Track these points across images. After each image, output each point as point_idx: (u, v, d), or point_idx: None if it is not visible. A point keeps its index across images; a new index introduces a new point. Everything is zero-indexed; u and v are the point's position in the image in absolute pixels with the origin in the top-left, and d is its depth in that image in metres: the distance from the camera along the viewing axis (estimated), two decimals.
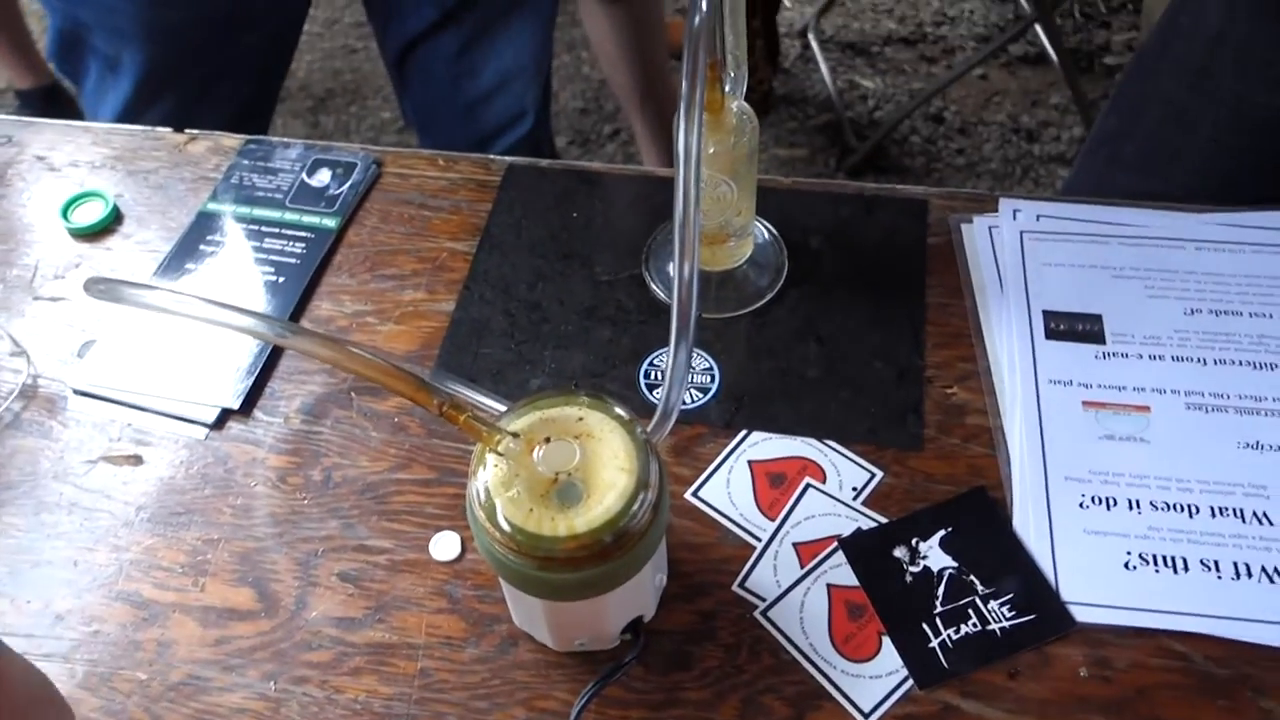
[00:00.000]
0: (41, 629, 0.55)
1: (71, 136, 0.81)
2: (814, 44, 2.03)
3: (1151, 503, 0.55)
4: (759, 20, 1.83)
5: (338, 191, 0.74)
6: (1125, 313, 0.63)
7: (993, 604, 0.52)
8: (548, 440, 0.46)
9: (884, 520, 0.56)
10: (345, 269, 0.70)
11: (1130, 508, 0.55)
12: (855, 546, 0.55)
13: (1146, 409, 0.59)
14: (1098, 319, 0.63)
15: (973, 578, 0.53)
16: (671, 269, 0.67)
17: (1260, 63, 0.77)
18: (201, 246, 0.72)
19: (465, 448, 0.60)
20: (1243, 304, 0.63)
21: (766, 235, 0.69)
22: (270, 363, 0.65)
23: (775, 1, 1.93)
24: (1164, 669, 0.50)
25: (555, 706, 0.51)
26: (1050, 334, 0.63)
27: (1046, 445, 0.58)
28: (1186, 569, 0.53)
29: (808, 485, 0.58)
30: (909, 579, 0.54)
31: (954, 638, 0.51)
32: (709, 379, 0.63)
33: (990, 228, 0.68)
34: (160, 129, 0.80)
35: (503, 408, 0.52)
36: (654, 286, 0.67)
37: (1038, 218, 0.68)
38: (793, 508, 0.57)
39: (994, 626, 0.52)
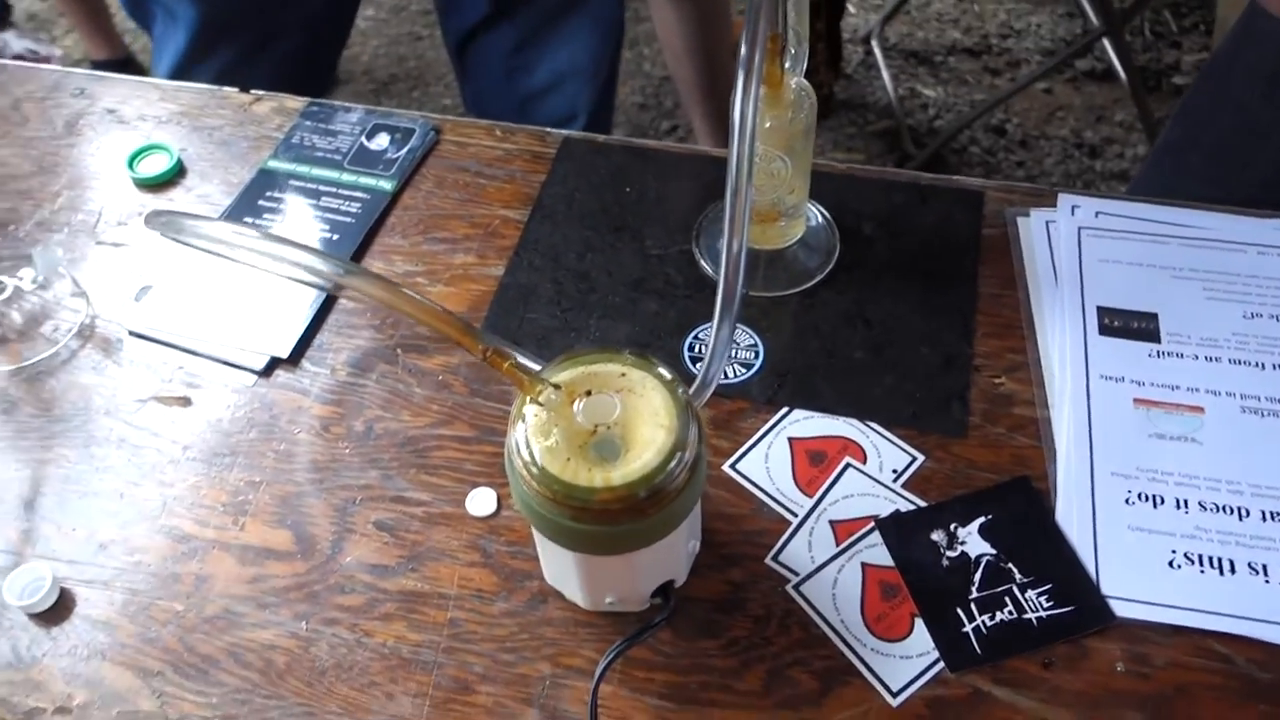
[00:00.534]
0: (85, 556, 0.56)
1: (141, 92, 0.82)
2: (877, 51, 2.02)
3: (1200, 503, 0.54)
4: (823, 24, 1.82)
5: (395, 156, 0.75)
6: (1182, 313, 0.62)
7: (1030, 593, 0.52)
8: (588, 393, 0.46)
9: (923, 504, 0.55)
10: (398, 230, 0.71)
11: (1178, 506, 0.54)
12: (893, 527, 0.55)
13: (1200, 410, 0.58)
14: (1153, 317, 0.62)
15: (1011, 566, 0.53)
16: (721, 245, 0.67)
17: None
18: (260, 202, 0.73)
19: (506, 408, 0.61)
20: None
21: (820, 218, 0.68)
22: (320, 315, 0.66)
23: (840, 7, 1.92)
24: (1204, 669, 0.49)
25: (581, 664, 0.51)
26: (1104, 330, 0.62)
27: (1095, 439, 0.57)
28: (1233, 571, 0.52)
29: (848, 464, 0.57)
30: (945, 563, 0.53)
31: (988, 624, 0.51)
32: (753, 355, 0.62)
33: (1047, 222, 0.67)
34: (226, 88, 0.82)
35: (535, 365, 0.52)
36: (703, 263, 0.67)
37: (1096, 214, 0.67)
38: (831, 485, 0.56)
39: (1030, 615, 0.51)
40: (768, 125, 0.58)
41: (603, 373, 0.46)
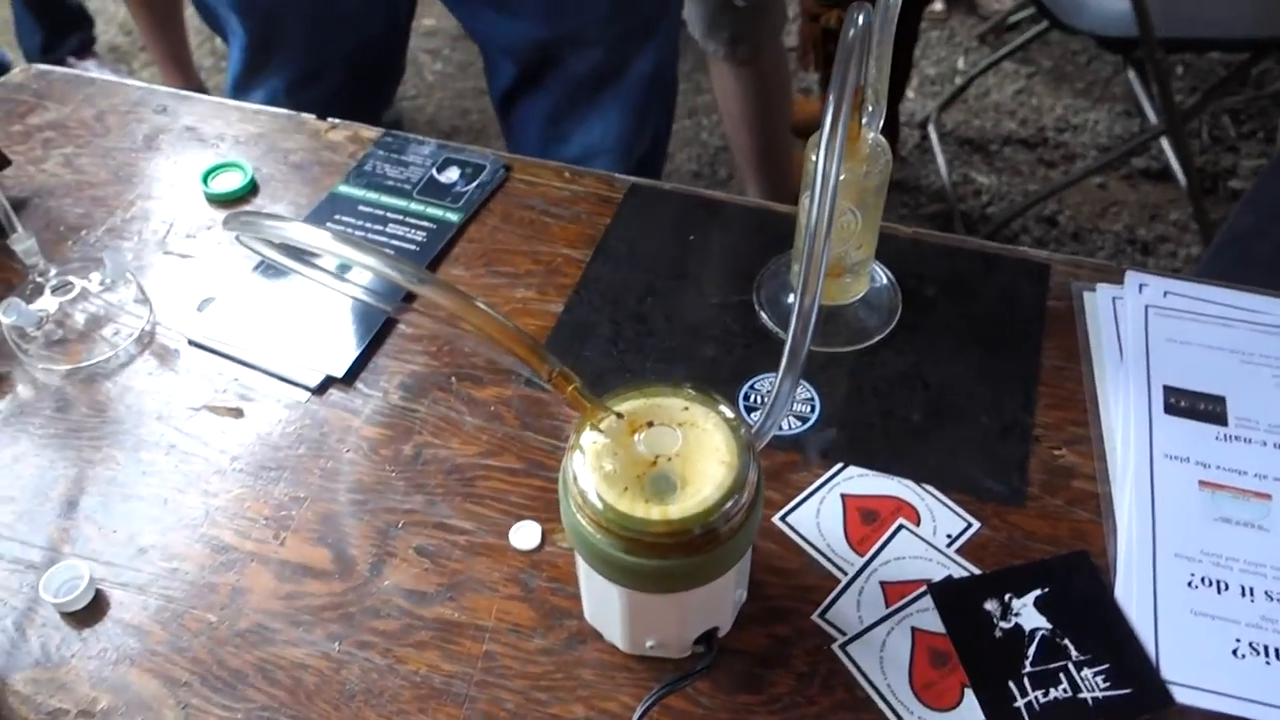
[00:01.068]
0: (122, 559, 0.56)
1: (220, 113, 0.84)
2: (933, 135, 2.03)
3: (1267, 592, 0.52)
4: None
5: (464, 189, 0.76)
6: (1251, 398, 0.61)
7: (1086, 671, 0.50)
8: (650, 424, 0.45)
9: (977, 571, 0.54)
10: (462, 261, 0.71)
11: (1243, 594, 0.52)
12: (945, 593, 0.53)
13: (1268, 497, 0.56)
14: (1220, 400, 0.61)
15: (1067, 642, 0.51)
16: (785, 299, 0.67)
17: None
18: (328, 223, 0.74)
19: (556, 443, 0.60)
20: None
21: (883, 279, 0.68)
22: (378, 339, 0.66)
23: (899, 91, 1.95)
24: None
25: (616, 709, 0.49)
26: (1169, 409, 0.60)
27: (1157, 519, 0.55)
28: None
29: (901, 526, 0.56)
30: (999, 634, 0.51)
31: (1041, 700, 0.49)
32: (809, 409, 0.61)
33: (1114, 298, 0.67)
34: (304, 114, 0.84)
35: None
36: (762, 314, 0.67)
37: (1165, 294, 0.66)
38: (883, 546, 0.55)
39: (1086, 695, 0.49)
40: (842, 178, 0.58)
41: (666, 405, 0.46)
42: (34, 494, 0.59)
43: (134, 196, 0.77)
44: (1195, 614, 0.52)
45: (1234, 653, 0.50)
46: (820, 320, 0.65)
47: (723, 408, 0.46)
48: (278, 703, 0.50)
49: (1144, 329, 0.65)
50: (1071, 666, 0.50)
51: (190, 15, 2.04)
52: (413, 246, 0.71)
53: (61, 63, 2.17)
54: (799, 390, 0.62)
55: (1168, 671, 0.50)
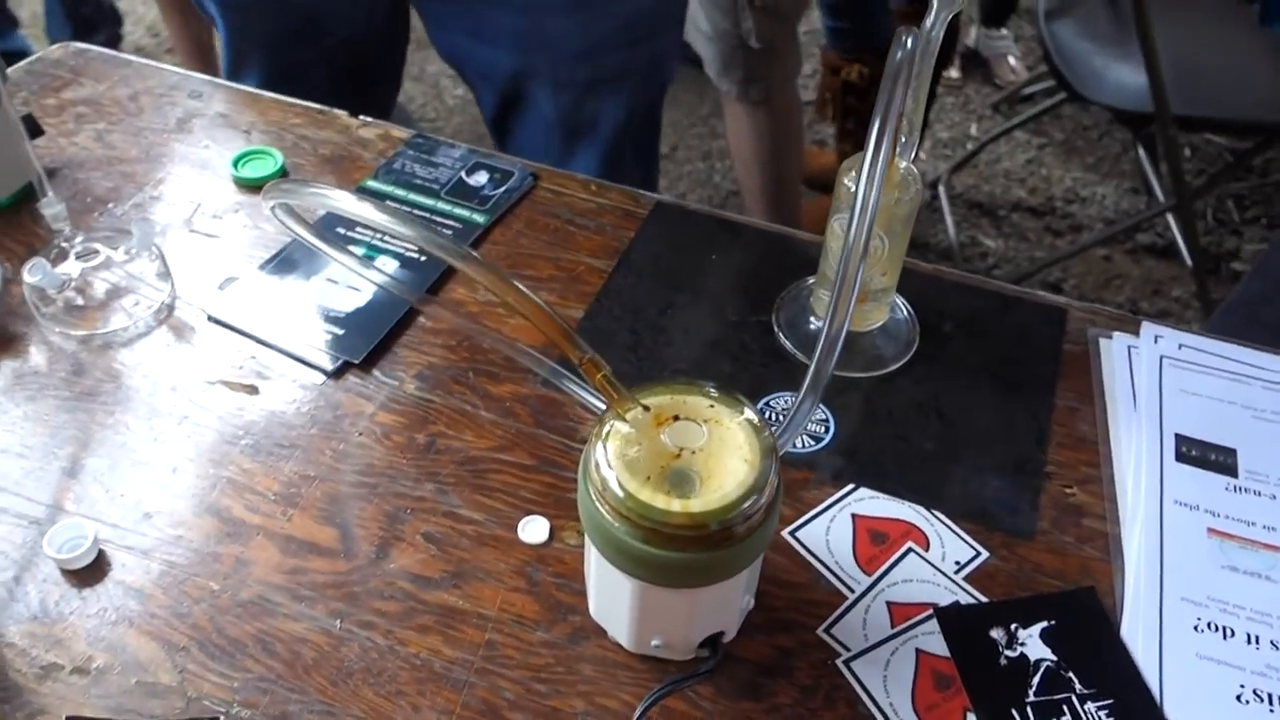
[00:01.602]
0: (129, 522, 0.55)
1: (254, 103, 0.85)
2: (943, 196, 2.06)
3: (1273, 641, 0.52)
4: None
5: (492, 193, 0.76)
6: (1262, 452, 0.61)
7: (1090, 705, 0.49)
8: (676, 418, 0.45)
9: (984, 599, 0.54)
10: None
11: (1249, 641, 0.52)
12: (951, 618, 0.53)
13: (1276, 549, 0.56)
14: (1231, 452, 0.61)
15: (1071, 675, 0.50)
16: (805, 323, 0.67)
17: None
18: (367, 200, 0.74)
19: (569, 443, 0.60)
20: None
21: (902, 310, 0.69)
22: (398, 328, 0.66)
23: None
24: None
25: (616, 706, 0.49)
26: (1180, 457, 0.61)
27: (1165, 562, 0.55)
28: None
29: (910, 549, 0.56)
30: (1004, 661, 0.51)
31: None
32: (823, 429, 0.62)
33: (1130, 347, 0.67)
34: (335, 110, 0.84)
35: (603, 407, 0.51)
36: (780, 336, 0.67)
37: (1179, 346, 0.67)
38: (891, 567, 0.55)
39: None
40: None
41: (692, 401, 0.46)
42: (43, 453, 0.58)
43: (163, 175, 0.78)
44: (1200, 657, 0.52)
45: (1238, 698, 0.50)
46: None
47: (747, 410, 0.46)
48: (275, 674, 0.49)
49: (1158, 378, 0.65)
50: (1075, 700, 0.50)
51: None
52: None
53: None
54: (814, 411, 0.62)
55: (1171, 711, 0.49)
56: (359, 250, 0.71)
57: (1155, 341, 0.67)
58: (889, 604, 0.53)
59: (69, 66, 0.88)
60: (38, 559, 0.53)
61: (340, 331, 0.65)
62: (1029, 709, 0.49)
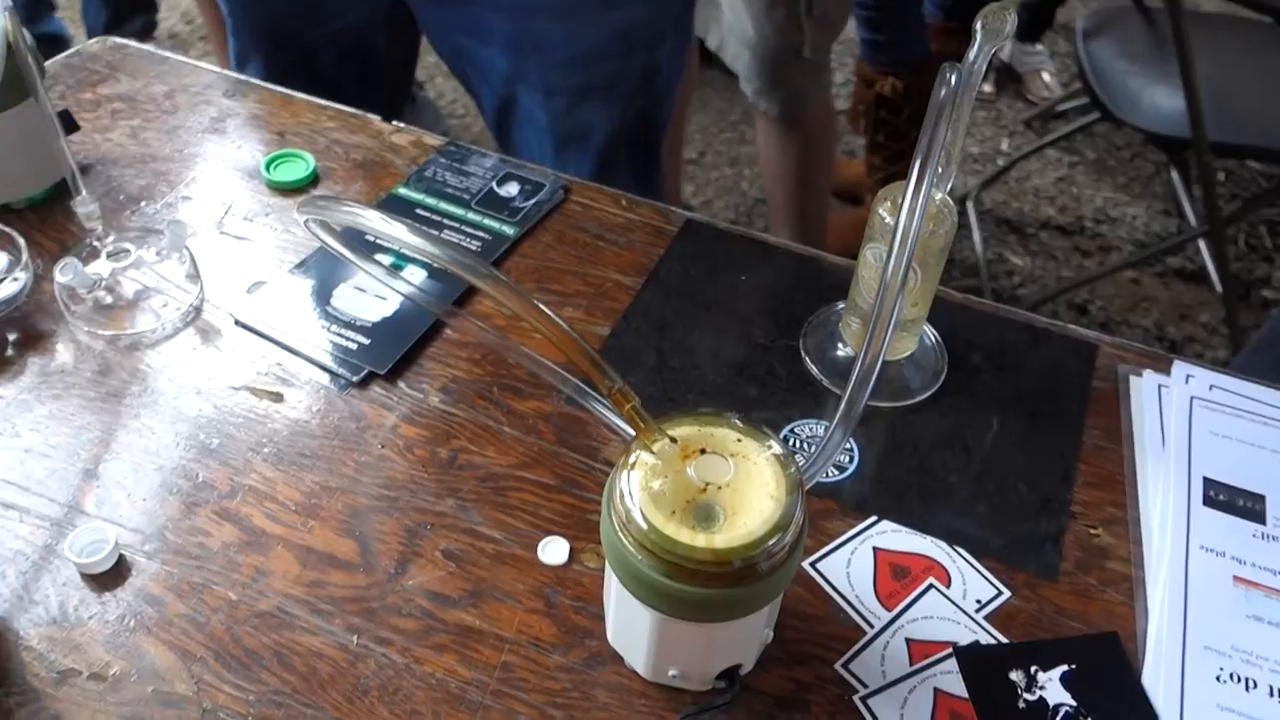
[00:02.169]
0: (149, 528, 0.55)
1: (288, 105, 0.85)
2: (971, 212, 2.04)
3: None
4: None
5: (522, 205, 0.76)
6: None
7: None
8: (703, 451, 0.45)
9: (1004, 640, 0.53)
10: (514, 275, 0.71)
11: (1271, 694, 0.51)
12: (971, 658, 0.52)
13: None
14: (1260, 499, 0.60)
15: None
16: (833, 349, 0.67)
17: None
18: (398, 219, 0.74)
19: (592, 463, 0.60)
20: None
21: (931, 340, 0.68)
22: (424, 340, 0.66)
23: None
24: None
25: None
26: (1208, 501, 0.60)
27: (1190, 609, 0.55)
28: None
29: (931, 585, 0.55)
30: (1022, 704, 0.51)
31: None
32: (847, 459, 0.61)
33: (1160, 386, 0.66)
34: (369, 115, 0.84)
35: (631, 431, 0.51)
36: (808, 360, 0.67)
37: (1210, 387, 0.66)
38: (912, 603, 0.54)
39: None
40: None
41: (719, 435, 0.46)
42: (67, 453, 0.59)
43: (195, 175, 0.78)
44: (1222, 709, 0.51)
45: None
46: None
47: (774, 443, 0.46)
48: (290, 688, 0.49)
49: (1188, 419, 0.64)
50: None
51: None
52: None
53: None
54: (844, 445, 0.62)
55: None
56: (387, 259, 0.71)
57: (1186, 381, 0.67)
58: (908, 640, 0.53)
59: (106, 61, 0.89)
60: (57, 561, 0.53)
61: (366, 341, 0.65)
62: None
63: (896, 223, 0.50)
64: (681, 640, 0.47)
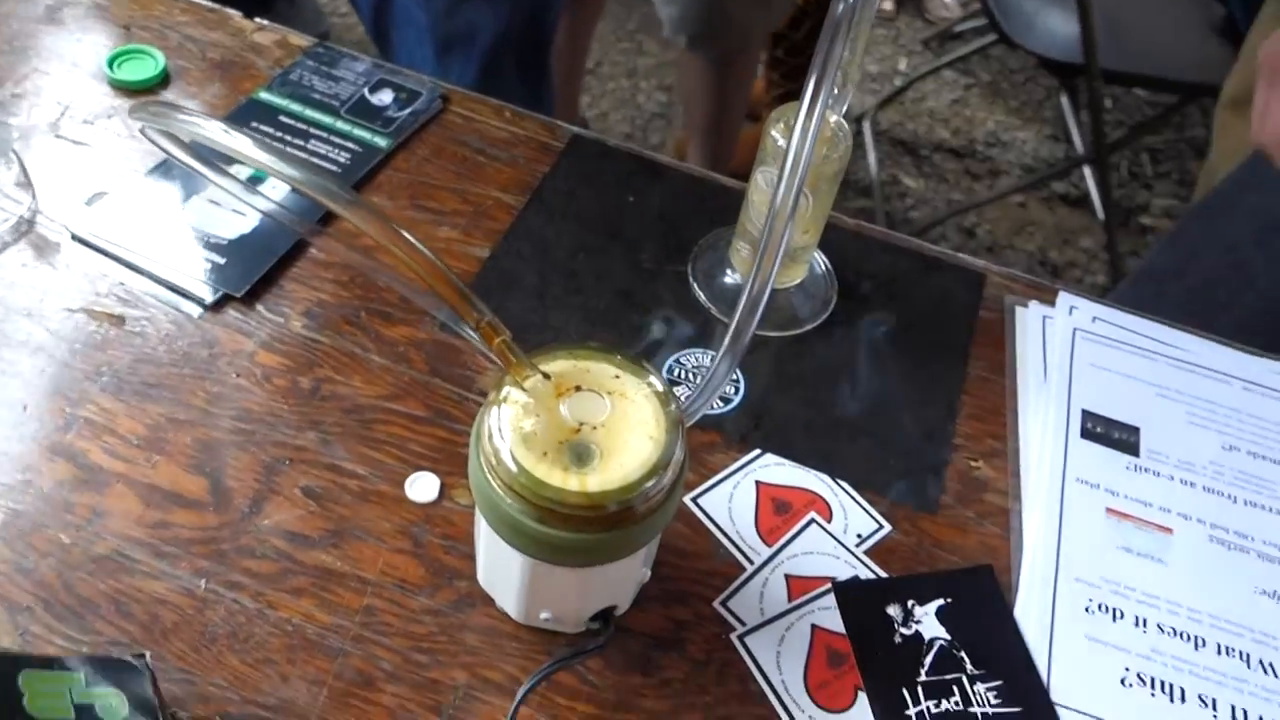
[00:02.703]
0: None
1: None
2: (867, 132, 2.04)
3: (1159, 625, 0.53)
4: None
5: (396, 115, 0.71)
6: (1163, 432, 0.61)
7: (979, 686, 0.49)
8: (578, 388, 0.42)
9: (884, 574, 0.53)
10: (385, 190, 0.67)
11: (1136, 624, 0.52)
12: (849, 593, 0.52)
13: (1169, 530, 0.56)
14: (1135, 431, 0.61)
15: (963, 655, 0.50)
16: (722, 275, 0.65)
17: None
18: (243, 132, 0.68)
19: (465, 394, 0.57)
20: None
21: (821, 267, 0.66)
22: (286, 260, 0.61)
23: None
24: None
25: (499, 679, 0.47)
26: (1085, 434, 0.60)
27: (1062, 541, 0.55)
28: (1184, 700, 0.50)
29: (812, 520, 0.54)
30: (898, 640, 0.50)
31: (933, 710, 0.48)
32: (733, 390, 0.59)
33: (1044, 317, 0.66)
34: (230, 10, 0.77)
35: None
36: (696, 287, 0.65)
37: (1093, 319, 0.66)
38: (792, 538, 0.53)
39: (976, 710, 0.48)
40: None
41: (596, 370, 0.43)
42: None
43: (28, 70, 0.70)
44: (1089, 639, 0.52)
45: (1122, 681, 0.50)
46: None
47: (654, 379, 0.44)
48: (129, 638, 0.46)
49: (1070, 351, 0.64)
50: (965, 680, 0.49)
51: None
52: (335, 168, 0.67)
53: None
54: (730, 376, 0.60)
55: (1057, 694, 0.49)
56: (244, 172, 0.65)
57: (1070, 313, 0.67)
58: (788, 577, 0.52)
59: None
60: None
61: (221, 260, 0.60)
62: (919, 689, 0.49)
63: (788, 146, 0.48)
64: (554, 584, 0.45)
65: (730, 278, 0.65)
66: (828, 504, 0.55)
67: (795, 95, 0.59)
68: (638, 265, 0.65)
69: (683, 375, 0.60)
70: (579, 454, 0.41)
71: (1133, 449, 0.60)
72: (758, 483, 0.56)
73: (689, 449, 0.53)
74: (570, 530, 0.41)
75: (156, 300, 0.58)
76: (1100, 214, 1.85)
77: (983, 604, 0.52)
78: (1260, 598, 0.55)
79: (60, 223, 0.61)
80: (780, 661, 0.49)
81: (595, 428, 0.41)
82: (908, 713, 0.48)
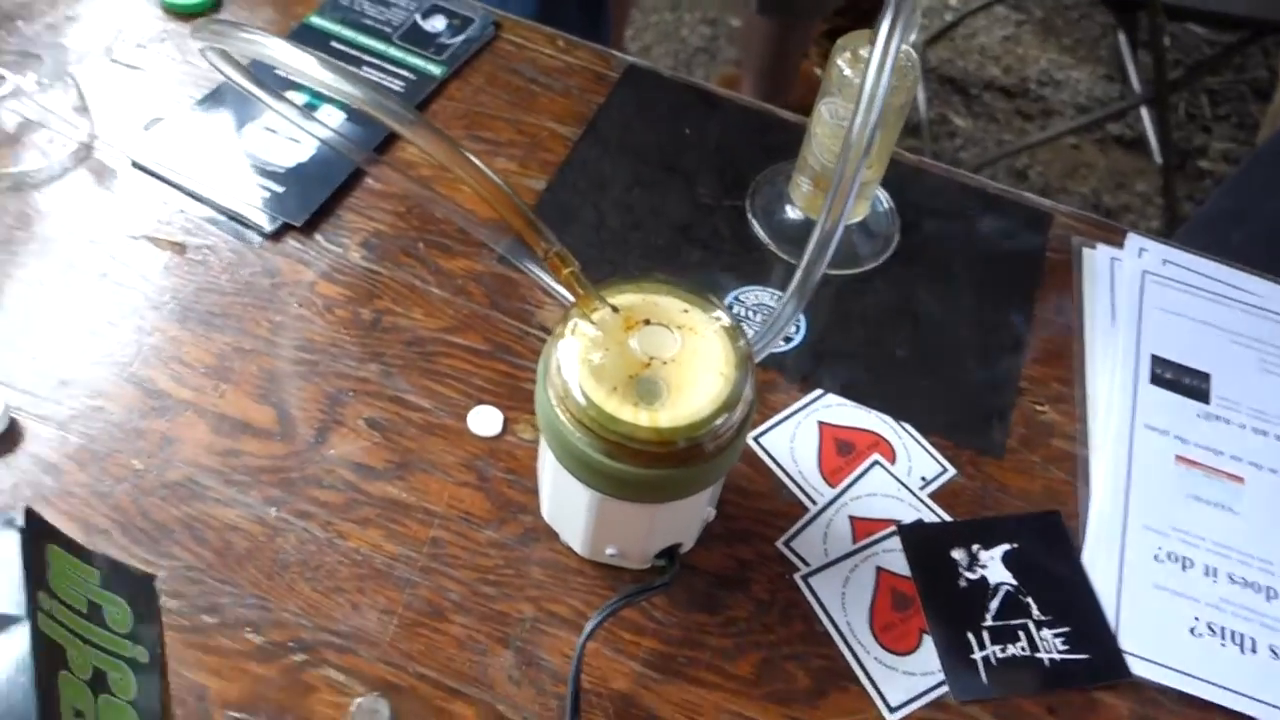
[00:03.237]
0: (44, 389, 0.51)
1: None
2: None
3: (1230, 575, 0.52)
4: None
5: (449, 41, 0.69)
6: (1235, 379, 0.60)
7: (1046, 632, 0.49)
8: (647, 322, 0.42)
9: (948, 518, 0.52)
10: (440, 119, 0.66)
11: (1206, 574, 0.52)
12: (914, 536, 0.51)
13: (1240, 480, 0.55)
14: (1205, 377, 0.59)
15: (1030, 600, 0.50)
16: (781, 210, 0.63)
17: None
18: (306, 50, 0.67)
19: (526, 328, 0.56)
20: None
21: (884, 204, 0.65)
22: (344, 189, 0.61)
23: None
24: None
25: (565, 613, 0.47)
26: (1155, 379, 0.59)
27: (1131, 489, 0.54)
28: (1254, 650, 0.49)
29: (875, 462, 0.54)
30: (963, 584, 0.50)
31: (999, 655, 0.48)
32: (794, 329, 0.59)
33: (1113, 259, 0.65)
34: None
35: (569, 297, 0.47)
36: (755, 223, 0.63)
37: (1163, 262, 0.65)
38: (856, 480, 0.53)
39: (1043, 655, 0.48)
40: None
41: (664, 304, 0.42)
42: None
43: None
44: (1158, 588, 0.51)
45: (1191, 631, 0.50)
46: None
47: (723, 314, 0.43)
48: (204, 563, 0.46)
49: (1139, 295, 0.63)
50: (1032, 625, 0.49)
51: None
52: None
53: None
54: (796, 317, 0.59)
55: (1126, 642, 0.49)
56: (301, 98, 0.64)
57: (1139, 255, 0.65)
58: (851, 518, 0.52)
59: None
60: None
61: (279, 189, 0.60)
62: (985, 633, 0.48)
63: (864, 79, 0.46)
64: (621, 520, 0.44)
65: (790, 213, 0.63)
66: (891, 446, 0.55)
67: (844, 30, 0.58)
68: (695, 200, 0.64)
69: (743, 313, 0.59)
70: (648, 389, 0.41)
71: (1203, 396, 0.59)
72: (820, 423, 0.55)
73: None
74: (639, 466, 0.40)
75: (216, 228, 0.58)
76: (1158, 157, 1.80)
77: (1049, 550, 0.52)
78: None
79: (119, 149, 0.61)
80: (845, 603, 0.49)
81: (665, 363, 0.41)
82: (973, 657, 0.48)
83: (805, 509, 0.52)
